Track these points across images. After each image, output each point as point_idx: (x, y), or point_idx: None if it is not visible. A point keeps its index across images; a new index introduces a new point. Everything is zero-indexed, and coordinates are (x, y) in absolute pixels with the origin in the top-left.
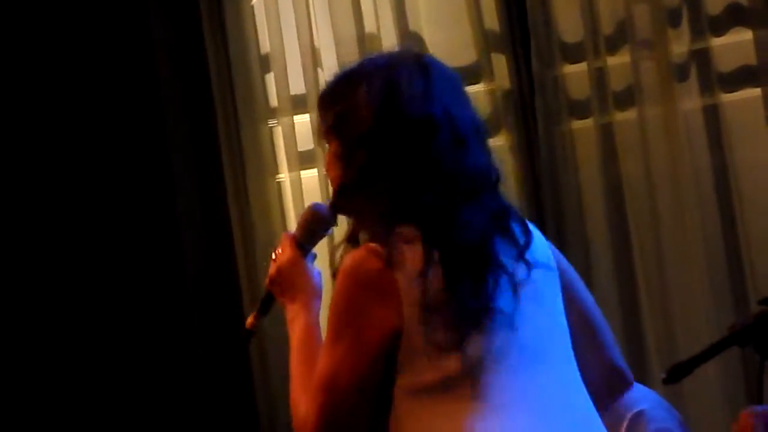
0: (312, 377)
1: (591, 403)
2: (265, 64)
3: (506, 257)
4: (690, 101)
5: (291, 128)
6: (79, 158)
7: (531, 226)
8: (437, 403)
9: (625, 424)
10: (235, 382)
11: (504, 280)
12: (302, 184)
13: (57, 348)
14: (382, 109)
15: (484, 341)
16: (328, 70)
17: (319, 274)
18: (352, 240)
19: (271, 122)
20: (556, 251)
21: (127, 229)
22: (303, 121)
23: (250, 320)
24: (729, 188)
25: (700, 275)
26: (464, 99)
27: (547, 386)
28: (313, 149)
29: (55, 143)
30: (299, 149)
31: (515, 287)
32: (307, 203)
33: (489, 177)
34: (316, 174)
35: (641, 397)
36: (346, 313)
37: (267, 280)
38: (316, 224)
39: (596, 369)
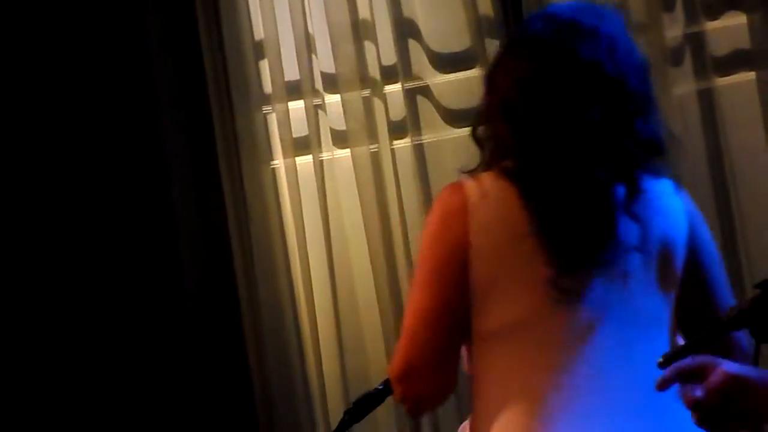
0: None
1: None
2: (259, 50)
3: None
4: (684, 85)
5: (285, 114)
6: (74, 147)
7: (667, 190)
8: (503, 346)
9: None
10: (232, 373)
11: (604, 234)
12: (297, 170)
13: (48, 333)
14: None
15: (554, 287)
16: (322, 56)
17: None
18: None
19: (266, 109)
20: (697, 219)
21: (122, 216)
22: (297, 108)
23: None
24: (723, 172)
25: None
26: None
27: (611, 350)
28: (307, 135)
29: (49, 134)
30: (294, 135)
31: (611, 245)
32: (302, 190)
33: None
34: (311, 160)
35: None
36: (426, 240)
37: None
38: None
39: None
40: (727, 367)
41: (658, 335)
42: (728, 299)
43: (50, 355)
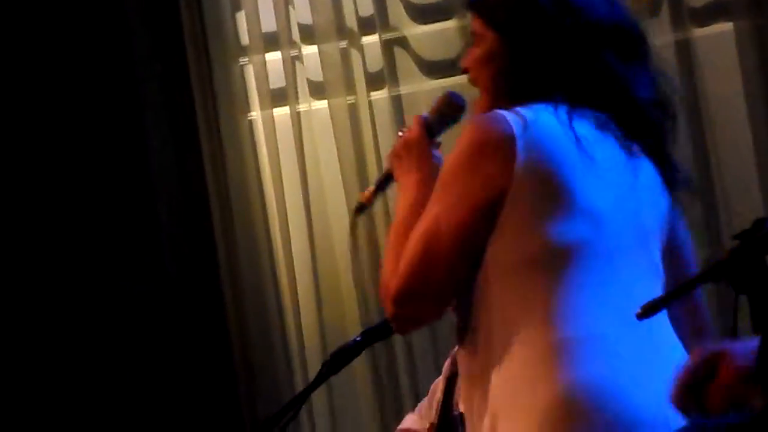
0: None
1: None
2: (236, 1)
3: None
4: (662, 36)
5: (263, 66)
6: (47, 102)
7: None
8: (534, 276)
9: None
10: (209, 319)
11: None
12: (274, 122)
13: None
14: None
15: (599, 227)
16: (299, 7)
17: (440, 158)
18: None
19: (243, 60)
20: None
21: (98, 169)
22: (275, 59)
23: (366, 194)
24: (701, 123)
25: None
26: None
27: (635, 284)
28: (284, 87)
29: (23, 89)
30: (271, 87)
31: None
32: (279, 141)
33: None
34: (288, 112)
35: None
36: (458, 167)
37: (390, 154)
38: (448, 110)
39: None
40: (737, 359)
41: (655, 276)
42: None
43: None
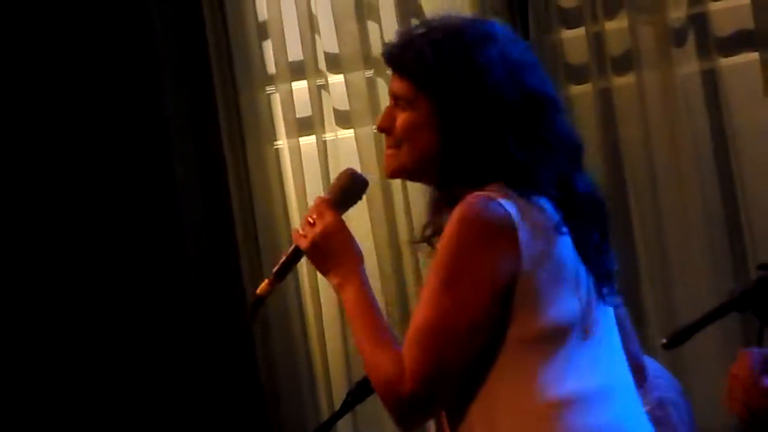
0: (385, 336)
1: None
2: (262, 31)
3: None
4: (688, 65)
5: (289, 95)
6: (77, 129)
7: None
8: (543, 352)
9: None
10: (237, 354)
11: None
12: (301, 150)
13: (55, 315)
14: (507, 81)
15: (589, 302)
16: (326, 36)
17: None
18: (440, 205)
19: (269, 89)
20: None
21: (125, 198)
22: (301, 88)
23: (263, 286)
24: (727, 152)
25: (699, 240)
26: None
27: (617, 358)
28: (311, 116)
29: (51, 117)
30: (297, 116)
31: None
32: (305, 170)
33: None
34: (314, 141)
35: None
36: (462, 258)
37: (298, 244)
38: (353, 189)
39: None
40: None
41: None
42: None
43: (54, 338)
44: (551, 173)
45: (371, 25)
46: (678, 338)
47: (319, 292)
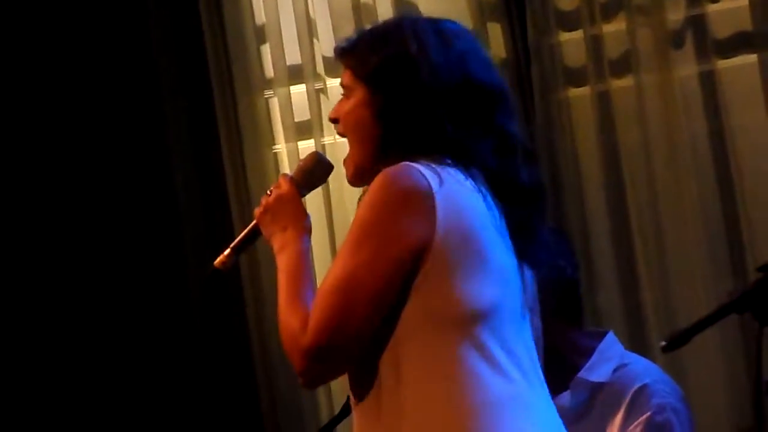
0: (302, 298)
1: None
2: (260, 34)
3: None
4: (686, 68)
5: (287, 99)
6: (75, 133)
7: None
8: (448, 336)
9: (627, 398)
10: (235, 355)
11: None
12: (299, 154)
13: (54, 323)
14: (442, 66)
15: (507, 286)
16: (324, 40)
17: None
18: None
19: (267, 93)
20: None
21: (124, 202)
22: (299, 92)
23: (222, 258)
24: (726, 154)
25: (698, 242)
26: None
27: (530, 341)
28: (309, 120)
29: (50, 121)
30: (296, 120)
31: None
32: None
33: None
34: (313, 144)
35: (644, 371)
36: (375, 220)
37: (256, 212)
38: (316, 170)
39: None
40: None
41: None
42: None
43: (55, 345)
44: (485, 155)
45: None
46: (677, 341)
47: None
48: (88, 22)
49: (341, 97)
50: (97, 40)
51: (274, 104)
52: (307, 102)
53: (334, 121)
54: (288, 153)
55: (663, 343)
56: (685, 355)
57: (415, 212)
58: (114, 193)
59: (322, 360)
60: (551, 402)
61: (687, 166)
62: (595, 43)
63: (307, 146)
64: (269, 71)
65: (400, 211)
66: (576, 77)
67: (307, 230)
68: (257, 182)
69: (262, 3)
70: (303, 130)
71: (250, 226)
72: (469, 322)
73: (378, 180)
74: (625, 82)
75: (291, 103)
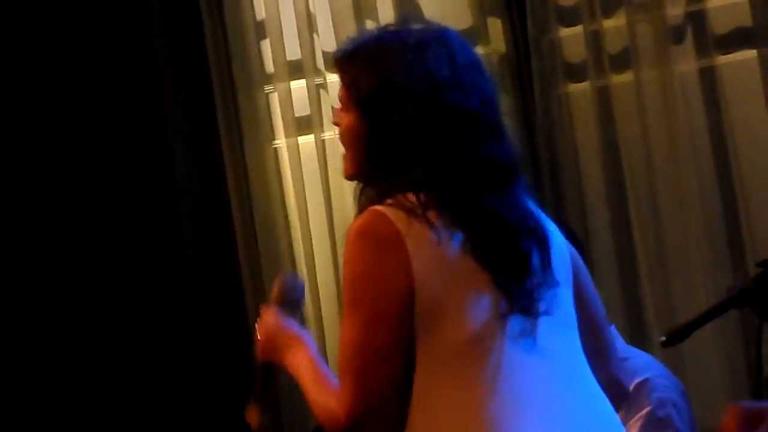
0: (327, 379)
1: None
2: (260, 30)
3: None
4: (686, 63)
5: (287, 94)
6: (76, 127)
7: (547, 221)
8: (448, 374)
9: (628, 393)
10: (236, 352)
11: (530, 266)
12: (299, 149)
13: (54, 316)
14: (424, 98)
15: (498, 320)
16: (324, 35)
17: (303, 327)
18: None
19: (268, 88)
20: (572, 248)
21: (125, 198)
22: (299, 87)
23: (252, 417)
24: (726, 150)
25: (698, 237)
26: (490, 81)
27: (551, 377)
28: (309, 115)
29: (50, 117)
30: (296, 115)
31: (534, 275)
32: (304, 169)
33: (517, 167)
34: (313, 140)
35: (645, 365)
36: (361, 275)
37: (259, 353)
38: (287, 297)
39: (598, 380)
40: None
41: (574, 357)
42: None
43: (54, 339)
44: (460, 188)
45: (370, 25)
46: (677, 336)
47: (318, 291)
48: (89, 18)
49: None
50: (97, 35)
51: (274, 99)
52: (307, 97)
53: (336, 124)
54: (288, 148)
55: (662, 338)
56: (684, 350)
57: (391, 258)
58: (114, 188)
59: (364, 426)
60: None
61: (687, 162)
62: (595, 39)
63: (307, 141)
64: (269, 66)
65: (378, 261)
66: (576, 72)
67: (307, 338)
68: (257, 177)
69: None
70: (303, 125)
71: (259, 371)
72: (465, 355)
73: (350, 237)
74: (625, 77)
75: (291, 98)
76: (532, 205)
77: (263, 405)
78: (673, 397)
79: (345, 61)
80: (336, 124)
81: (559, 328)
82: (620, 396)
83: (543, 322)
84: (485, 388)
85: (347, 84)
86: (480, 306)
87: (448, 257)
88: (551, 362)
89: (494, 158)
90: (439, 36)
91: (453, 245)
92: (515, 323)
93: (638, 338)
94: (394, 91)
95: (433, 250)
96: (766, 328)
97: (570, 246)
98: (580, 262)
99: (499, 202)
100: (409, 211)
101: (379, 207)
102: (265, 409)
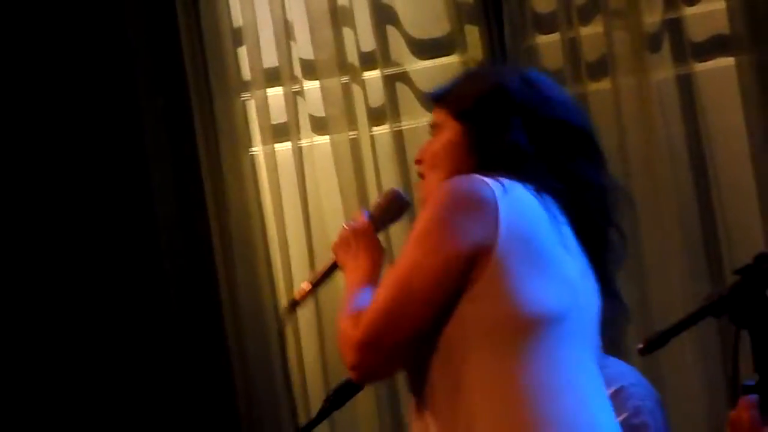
0: (357, 301)
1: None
2: (237, 37)
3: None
4: (663, 71)
5: (264, 101)
6: (50, 133)
7: None
8: (513, 342)
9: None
10: (212, 361)
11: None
12: (276, 157)
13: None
14: (539, 107)
15: (573, 297)
16: (301, 42)
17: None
18: None
19: (245, 95)
20: None
21: (99, 202)
22: (276, 95)
23: (303, 290)
24: (703, 157)
25: (675, 245)
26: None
27: (591, 360)
28: (286, 122)
29: (23, 121)
30: (273, 122)
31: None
32: (281, 177)
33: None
34: (290, 147)
35: (621, 373)
36: (437, 221)
37: (333, 245)
38: (392, 207)
39: None
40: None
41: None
42: None
43: (27, 340)
44: (556, 169)
45: (347, 32)
46: (654, 343)
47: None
48: (64, 24)
49: (429, 138)
50: (73, 41)
51: (251, 106)
52: (284, 104)
53: (418, 162)
54: (265, 155)
55: (640, 345)
56: (662, 358)
57: (478, 216)
58: (90, 195)
59: (372, 352)
60: (608, 410)
61: (664, 169)
62: (572, 46)
63: (283, 148)
64: (246, 73)
65: (463, 213)
66: (553, 80)
67: (381, 263)
68: (234, 184)
69: (239, 5)
70: (280, 133)
71: (328, 261)
72: (534, 329)
73: (444, 185)
74: (602, 85)
75: (268, 105)
76: None
77: (314, 286)
78: (649, 404)
79: (444, 92)
80: (419, 160)
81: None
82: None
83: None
84: (554, 367)
85: (448, 103)
86: (563, 284)
87: (540, 229)
88: (592, 357)
89: (592, 179)
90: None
91: (546, 220)
92: (588, 314)
93: (615, 347)
94: (502, 93)
95: (527, 223)
96: (744, 336)
97: None
98: None
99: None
100: (510, 182)
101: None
102: (316, 287)
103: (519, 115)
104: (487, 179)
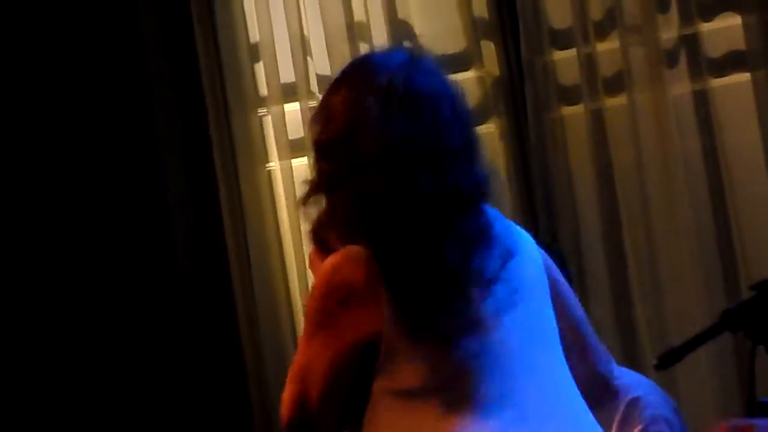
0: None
1: (582, 402)
2: (254, 53)
3: (486, 270)
4: (679, 86)
5: (281, 117)
6: (70, 151)
7: (518, 234)
8: (417, 405)
9: (620, 410)
10: (229, 377)
11: (477, 294)
12: (293, 172)
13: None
14: (350, 131)
15: (459, 350)
16: (318, 58)
17: None
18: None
19: (261, 111)
20: (547, 257)
21: (118, 218)
22: (293, 110)
23: None
24: (719, 173)
25: (692, 260)
26: (448, 113)
27: (528, 387)
28: (303, 137)
29: (46, 134)
30: (290, 137)
31: (490, 298)
32: (298, 192)
33: (466, 197)
34: (306, 162)
35: (636, 383)
36: (320, 313)
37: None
38: None
39: (581, 377)
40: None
41: (555, 367)
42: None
43: (39, 348)
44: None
45: (363, 47)
46: (670, 359)
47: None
48: (83, 39)
49: None
50: (90, 59)
51: (268, 122)
52: (300, 120)
53: None
54: (282, 171)
55: (655, 361)
56: (677, 374)
57: (359, 304)
58: (107, 210)
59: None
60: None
61: (680, 185)
62: (588, 62)
63: (300, 164)
64: (263, 89)
65: (342, 304)
66: (569, 95)
67: None
68: (251, 199)
69: (256, 21)
70: (297, 148)
71: None
72: (428, 395)
73: (321, 272)
74: (619, 100)
75: (285, 121)
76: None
77: None
78: (665, 413)
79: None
80: None
81: (529, 336)
82: (607, 394)
83: (503, 337)
84: (453, 418)
85: (311, 129)
86: (436, 349)
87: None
88: (519, 380)
89: (445, 192)
90: (403, 61)
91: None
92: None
93: (631, 359)
94: (340, 142)
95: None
96: (759, 351)
97: (546, 255)
98: (556, 272)
99: (449, 255)
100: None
101: (353, 248)
102: None
103: (354, 164)
104: (363, 253)
